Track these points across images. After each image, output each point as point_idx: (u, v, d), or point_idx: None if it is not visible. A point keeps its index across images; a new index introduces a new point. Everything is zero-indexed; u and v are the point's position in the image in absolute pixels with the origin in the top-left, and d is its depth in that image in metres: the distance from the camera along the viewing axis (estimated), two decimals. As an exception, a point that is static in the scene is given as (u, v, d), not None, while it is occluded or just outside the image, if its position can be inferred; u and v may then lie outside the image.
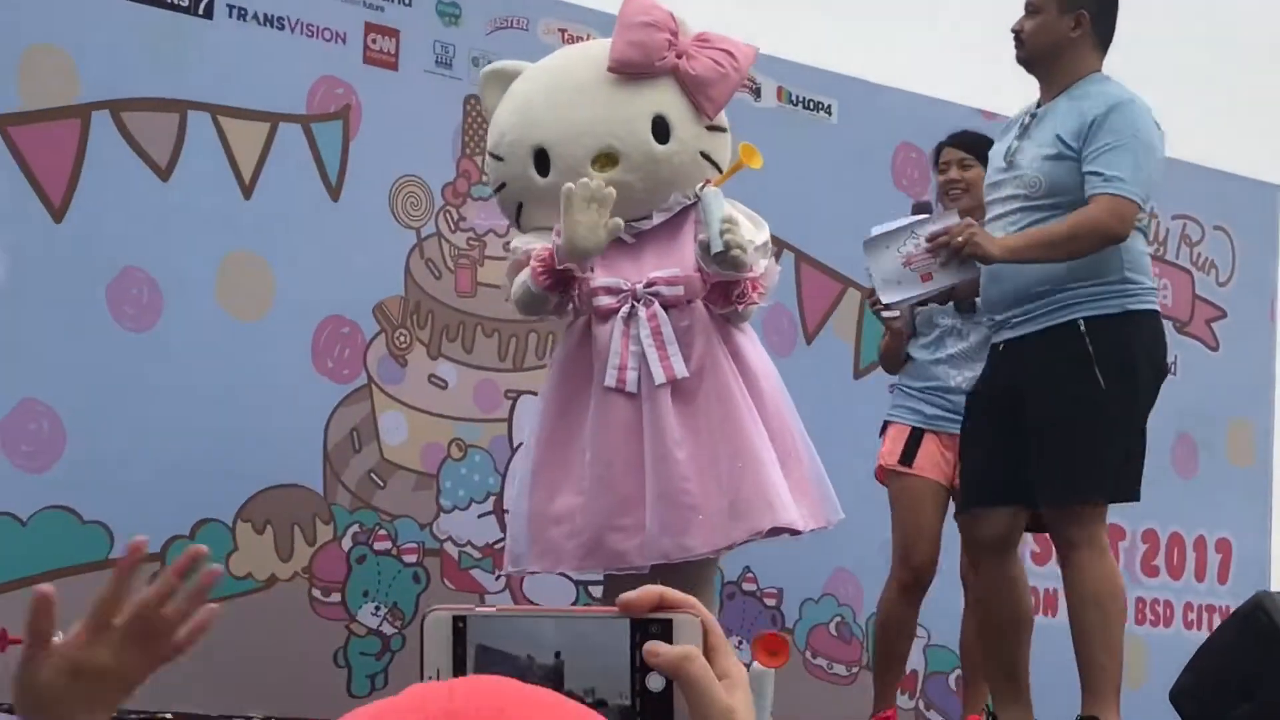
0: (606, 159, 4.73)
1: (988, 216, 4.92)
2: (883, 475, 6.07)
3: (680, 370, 4.62)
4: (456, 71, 6.60)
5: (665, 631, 1.26)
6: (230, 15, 6.16)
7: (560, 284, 4.73)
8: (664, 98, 4.73)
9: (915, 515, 5.70)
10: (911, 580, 5.84)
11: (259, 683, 6.03)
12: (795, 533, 4.82)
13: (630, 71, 4.74)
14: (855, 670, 7.37)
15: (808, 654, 7.27)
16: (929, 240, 4.63)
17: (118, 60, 5.97)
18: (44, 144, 5.84)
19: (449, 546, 6.53)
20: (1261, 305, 8.67)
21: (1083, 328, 4.59)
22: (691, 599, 1.27)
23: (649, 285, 4.68)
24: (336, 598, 6.28)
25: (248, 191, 6.19)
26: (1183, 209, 8.30)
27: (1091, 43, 4.82)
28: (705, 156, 4.76)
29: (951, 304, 5.50)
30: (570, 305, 4.85)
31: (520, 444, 6.67)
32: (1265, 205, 8.76)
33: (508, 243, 6.68)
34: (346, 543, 6.31)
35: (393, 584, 6.42)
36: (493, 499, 6.62)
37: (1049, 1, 4.78)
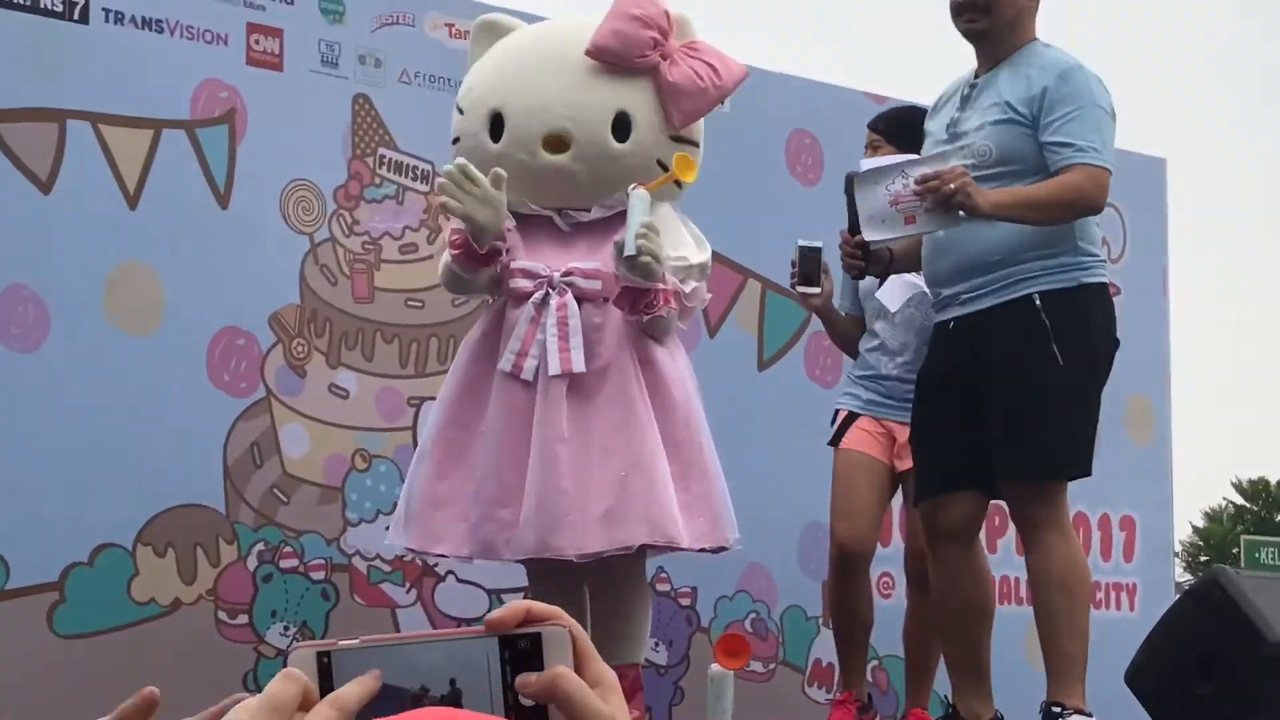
0: (558, 141, 4.64)
1: None
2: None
3: (578, 364, 4.55)
4: (343, 70, 6.47)
5: (534, 646, 1.27)
6: (107, 19, 5.99)
7: (480, 262, 4.62)
8: (634, 96, 4.64)
9: (842, 490, 5.65)
10: (839, 556, 5.78)
11: (166, 710, 5.84)
12: (682, 550, 4.73)
13: (608, 60, 4.64)
14: (772, 666, 7.30)
15: (724, 653, 7.18)
16: (919, 182, 4.50)
17: (-8, 69, 5.78)
18: (-83, 159, 5.64)
19: (357, 561, 6.39)
20: (1155, 281, 8.74)
21: (1038, 302, 4.53)
22: (557, 611, 1.26)
23: (566, 274, 4.60)
24: (243, 619, 6.13)
25: (133, 201, 6.02)
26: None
27: (1034, 11, 4.80)
28: (661, 165, 4.67)
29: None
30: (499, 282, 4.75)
31: (426, 452, 6.58)
32: (1154, 180, 8.82)
33: (408, 246, 6.60)
34: (251, 562, 6.16)
35: (301, 602, 6.28)
36: (400, 509, 6.48)
37: None
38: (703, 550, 4.73)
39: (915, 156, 4.69)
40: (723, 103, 5.05)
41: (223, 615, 6.08)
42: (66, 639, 5.77)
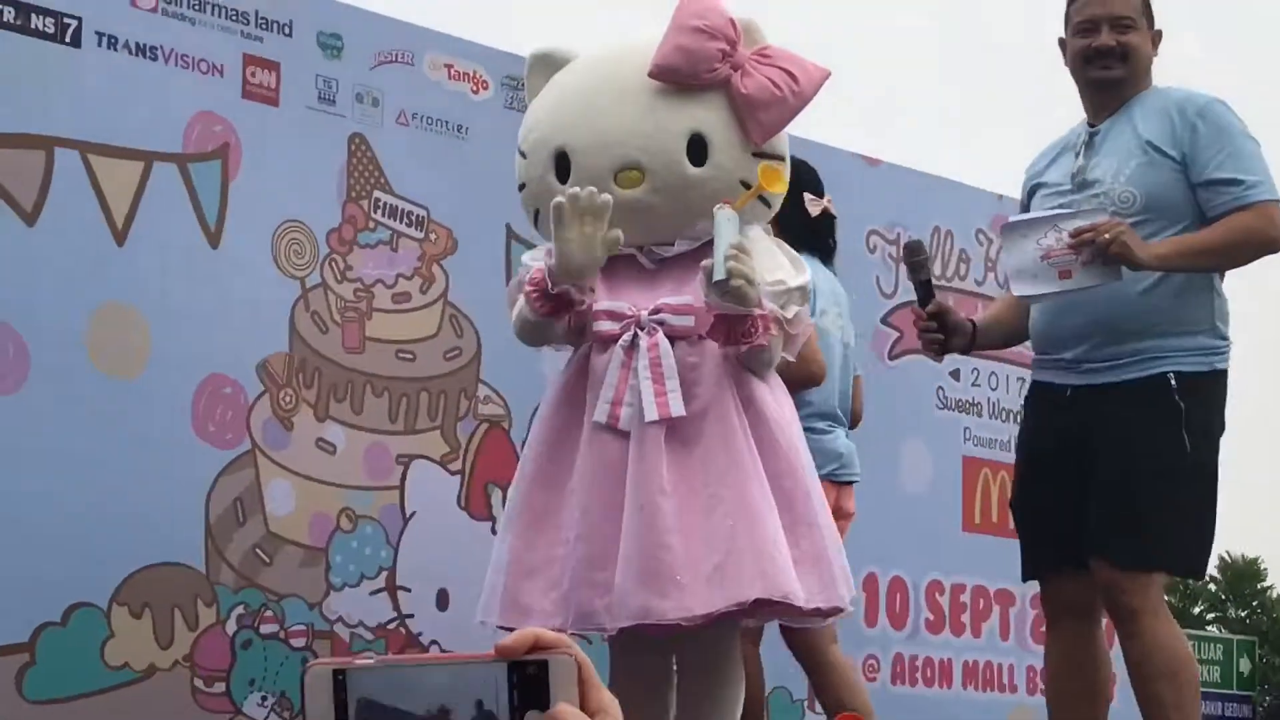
0: (632, 174, 4.42)
1: None
2: None
3: (677, 409, 4.27)
4: (340, 108, 6.31)
5: (541, 672, 1.34)
6: (100, 44, 5.80)
7: (559, 309, 4.38)
8: (708, 115, 4.40)
9: None
10: None
11: (136, 785, 5.62)
12: (797, 610, 4.44)
13: (674, 80, 4.39)
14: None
15: None
16: (1073, 235, 4.37)
17: (-22, 91, 5.57)
18: (-103, 184, 5.42)
19: (339, 628, 6.19)
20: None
21: (1174, 383, 4.42)
22: (565, 639, 1.32)
23: (654, 312, 4.36)
24: (220, 687, 5.91)
25: (120, 237, 5.82)
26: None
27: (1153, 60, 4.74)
28: (745, 185, 4.44)
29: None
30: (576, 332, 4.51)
31: (414, 512, 6.39)
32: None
33: (400, 295, 6.41)
34: (231, 626, 5.94)
35: (280, 670, 6.06)
36: (385, 574, 6.31)
37: (1140, 17, 4.66)
38: (815, 612, 4.46)
39: (1067, 210, 4.56)
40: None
41: (199, 683, 5.86)
42: (36, 704, 5.53)
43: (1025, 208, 4.90)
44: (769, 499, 4.33)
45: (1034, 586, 8.07)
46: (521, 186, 4.67)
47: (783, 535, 4.32)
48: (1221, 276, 4.61)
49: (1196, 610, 44.26)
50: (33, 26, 5.66)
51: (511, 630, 4.54)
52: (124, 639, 5.71)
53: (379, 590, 6.28)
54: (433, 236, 6.48)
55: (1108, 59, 4.58)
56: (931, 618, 7.72)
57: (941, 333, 4.79)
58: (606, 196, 4.28)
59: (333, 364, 6.23)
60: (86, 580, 5.65)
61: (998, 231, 8.52)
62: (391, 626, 6.29)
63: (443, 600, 6.42)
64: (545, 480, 4.48)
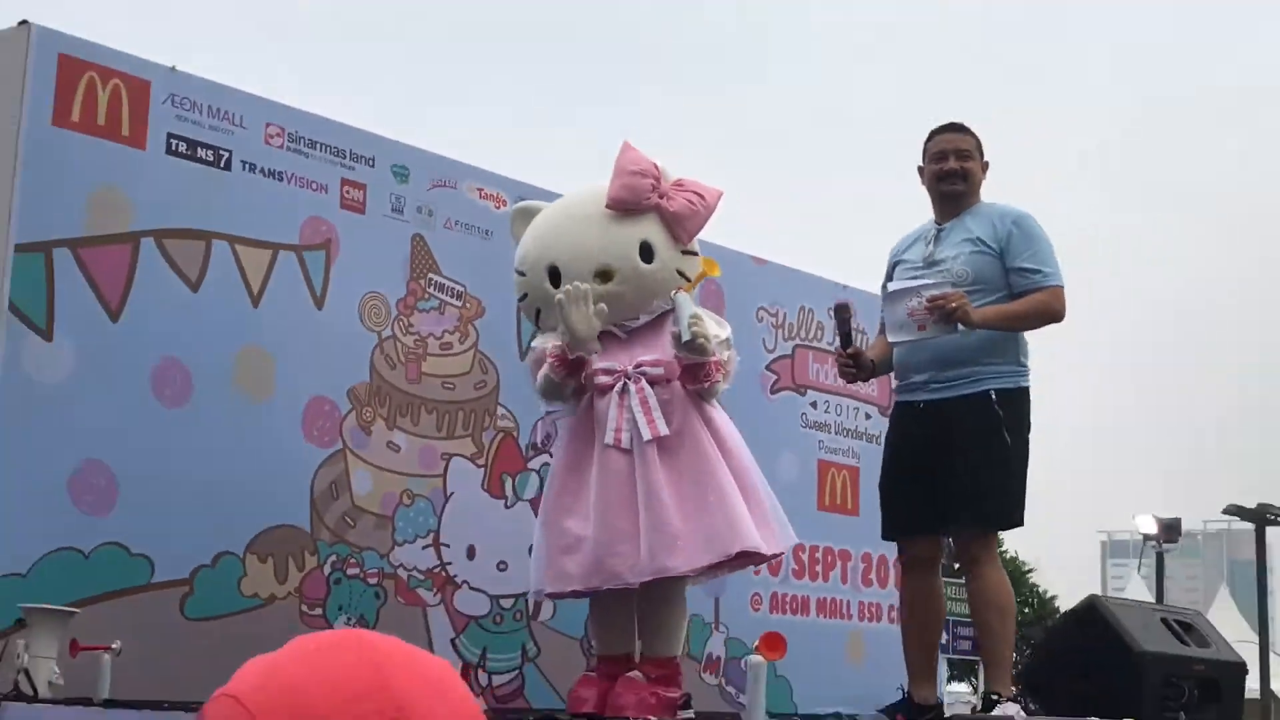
0: (605, 274, 4.40)
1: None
2: None
3: (663, 429, 4.28)
4: (406, 216, 6.24)
5: None
6: (243, 169, 5.72)
7: (573, 371, 4.36)
8: (649, 228, 4.41)
9: None
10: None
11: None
12: (761, 557, 4.44)
13: (623, 208, 4.41)
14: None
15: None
16: (929, 301, 4.36)
17: (161, 199, 5.48)
18: (104, 262, 5.32)
19: (400, 571, 6.09)
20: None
21: (994, 398, 4.40)
22: None
23: (637, 366, 4.34)
24: (319, 611, 5.80)
25: (256, 301, 5.73)
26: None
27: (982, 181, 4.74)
28: (680, 273, 4.45)
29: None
30: (580, 389, 4.46)
31: (452, 492, 6.30)
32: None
33: (445, 344, 6.33)
34: (327, 569, 5.84)
35: (360, 600, 5.97)
36: (431, 534, 6.21)
37: (975, 152, 4.66)
38: (773, 556, 4.44)
39: (930, 281, 4.54)
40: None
41: (304, 608, 5.76)
42: (194, 621, 5.41)
43: (889, 277, 4.87)
44: (733, 483, 4.32)
45: (867, 546, 8.13)
46: (523, 297, 4.62)
47: (745, 507, 4.30)
48: None
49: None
50: (199, 156, 5.58)
51: (557, 596, 4.47)
52: (254, 577, 5.61)
53: (428, 545, 6.18)
54: (468, 305, 6.42)
55: (953, 179, 4.58)
56: (796, 568, 7.68)
57: (855, 367, 4.77)
58: (588, 287, 4.28)
59: (399, 390, 6.15)
60: (229, 536, 5.55)
61: (834, 307, 8.62)
62: (435, 571, 6.19)
63: (470, 553, 6.33)
64: (568, 490, 4.45)
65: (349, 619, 5.88)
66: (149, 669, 5.02)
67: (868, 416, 8.31)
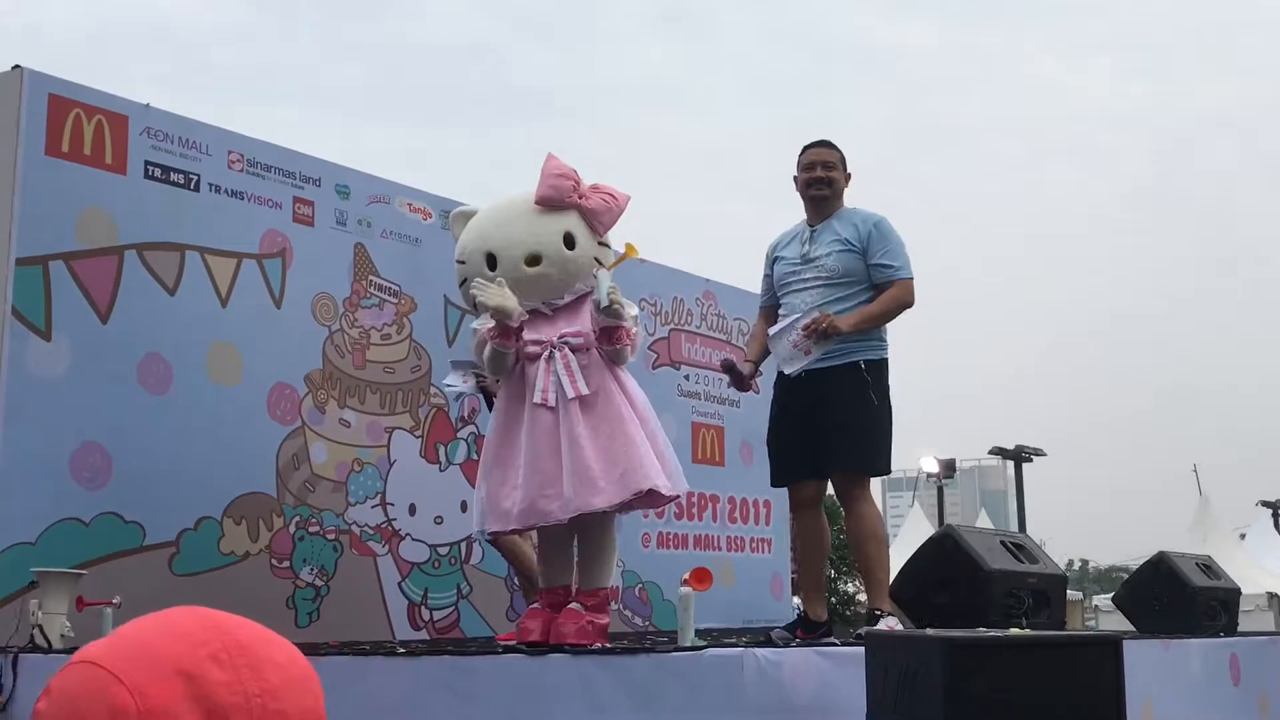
0: (534, 259, 4.37)
1: (793, 289, 4.65)
2: None
3: (583, 388, 4.26)
4: (349, 228, 6.20)
5: None
6: (210, 190, 5.63)
7: (509, 338, 4.35)
8: (571, 222, 4.39)
9: None
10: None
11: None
12: (664, 498, 4.43)
13: (549, 205, 4.39)
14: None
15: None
16: (804, 330, 4.35)
17: (140, 217, 5.37)
18: (94, 271, 5.20)
19: (354, 528, 6.07)
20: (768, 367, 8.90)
21: (863, 367, 4.45)
22: None
23: (561, 337, 4.35)
24: (286, 564, 5.76)
25: (224, 302, 5.65)
26: (740, 314, 8.45)
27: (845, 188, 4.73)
28: (597, 260, 4.45)
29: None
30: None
31: (395, 460, 6.28)
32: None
33: (385, 335, 6.30)
34: (292, 528, 5.80)
35: (320, 553, 5.93)
36: (379, 495, 6.19)
37: (839, 165, 4.66)
38: (672, 498, 4.44)
39: (797, 316, 4.49)
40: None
41: (274, 562, 5.70)
42: (181, 577, 5.33)
43: (770, 271, 4.79)
44: (642, 433, 4.32)
45: (733, 491, 8.31)
46: (463, 282, 4.57)
47: (652, 454, 4.31)
48: None
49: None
50: (171, 179, 5.48)
51: (497, 533, 4.42)
52: (230, 537, 5.55)
53: (376, 505, 6.17)
54: (403, 301, 6.40)
55: (821, 186, 4.60)
56: (677, 511, 7.79)
57: (746, 384, 4.74)
58: (500, 278, 4.28)
59: (347, 375, 6.12)
60: (208, 503, 5.48)
61: (703, 296, 8.76)
62: (383, 526, 6.18)
63: (412, 510, 6.33)
64: (504, 443, 4.42)
65: (312, 570, 5.85)
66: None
67: (728, 385, 8.47)
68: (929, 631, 2.99)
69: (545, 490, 4.24)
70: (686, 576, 3.98)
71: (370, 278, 6.26)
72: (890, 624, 4.08)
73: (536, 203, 4.40)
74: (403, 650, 4.28)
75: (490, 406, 5.14)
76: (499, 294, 4.27)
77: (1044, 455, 20.70)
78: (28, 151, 4.99)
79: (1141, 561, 5.69)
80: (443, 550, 6.41)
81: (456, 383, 5.28)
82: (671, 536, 7.83)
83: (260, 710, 0.91)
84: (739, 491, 8.40)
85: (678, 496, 4.44)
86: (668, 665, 3.50)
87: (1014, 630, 3.27)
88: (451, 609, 6.40)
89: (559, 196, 4.37)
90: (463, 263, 4.57)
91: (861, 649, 3.26)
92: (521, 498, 4.29)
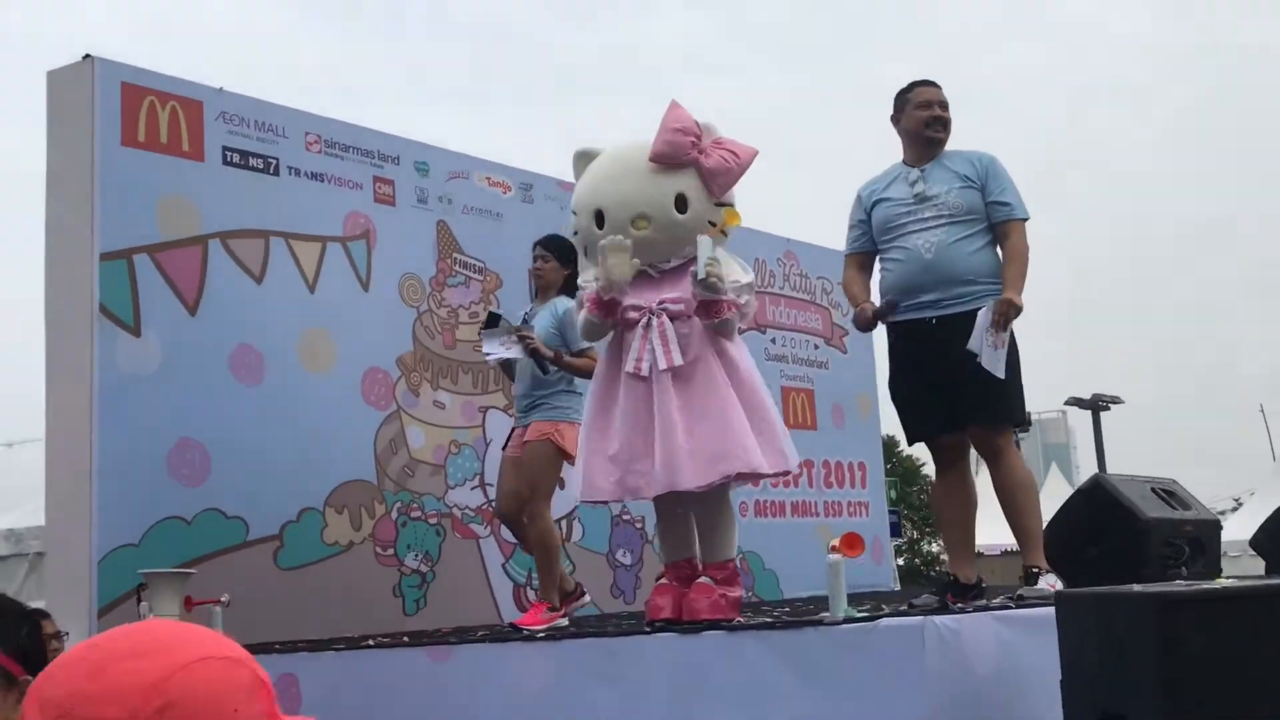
0: (643, 220, 4.06)
1: (910, 230, 4.23)
2: None
3: (677, 360, 3.95)
4: (430, 205, 5.90)
5: None
6: (289, 174, 5.35)
7: (609, 312, 4.05)
8: (686, 181, 4.05)
9: None
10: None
11: (346, 613, 5.19)
12: (760, 476, 4.13)
13: (664, 161, 4.06)
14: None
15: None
16: (994, 324, 3.87)
17: (222, 204, 5.10)
18: (180, 263, 4.93)
19: (455, 511, 5.78)
20: (865, 326, 8.54)
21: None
22: None
23: (661, 304, 4.03)
24: (391, 552, 5.50)
25: (312, 287, 5.38)
26: (823, 273, 8.08)
27: None
28: (710, 223, 4.11)
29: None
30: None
31: (491, 439, 5.99)
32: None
33: (473, 313, 6.00)
34: (394, 514, 5.52)
35: (424, 539, 5.65)
36: (477, 476, 5.90)
37: (947, 105, 4.28)
38: (777, 474, 4.12)
39: (980, 322, 4.05)
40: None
41: (378, 550, 5.44)
42: (286, 571, 5.08)
43: (867, 215, 4.35)
44: (739, 410, 4.01)
45: (826, 455, 7.95)
46: (574, 233, 4.29)
47: (750, 431, 4.00)
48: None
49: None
50: (250, 164, 5.20)
51: (594, 503, 4.13)
52: (333, 527, 5.29)
53: (475, 486, 5.89)
54: (488, 278, 6.10)
55: (938, 126, 4.24)
56: (773, 479, 7.44)
57: (881, 315, 4.31)
58: (626, 240, 3.98)
59: (439, 356, 5.83)
60: (309, 493, 5.23)
61: (784, 256, 8.38)
62: (483, 508, 5.90)
63: (511, 490, 6.05)
64: (601, 411, 4.12)
65: (417, 556, 5.58)
66: (252, 616, 4.69)
67: (816, 346, 8.13)
68: (1135, 588, 2.63)
69: (634, 466, 3.97)
70: (835, 543, 3.66)
71: (454, 255, 5.96)
72: (1050, 582, 3.74)
73: (651, 159, 4.07)
74: (541, 636, 4.02)
75: (512, 377, 4.85)
76: (621, 265, 3.95)
77: (1121, 403, 20.03)
78: (104, 143, 4.73)
79: (1225, 508, 5.27)
80: (545, 530, 6.12)
81: (497, 349, 4.87)
82: (769, 505, 7.50)
83: None
84: (833, 455, 8.04)
85: (785, 474, 4.11)
86: (837, 638, 3.19)
87: (1221, 582, 2.90)
88: (559, 588, 6.10)
89: (675, 153, 4.04)
90: (575, 214, 4.27)
91: (1038, 611, 2.93)
92: (613, 471, 4.01)
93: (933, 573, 16.49)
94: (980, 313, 3.96)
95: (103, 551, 4.56)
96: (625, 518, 6.55)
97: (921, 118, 4.27)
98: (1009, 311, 3.98)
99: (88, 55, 4.80)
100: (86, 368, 4.62)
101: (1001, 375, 3.95)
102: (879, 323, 4.29)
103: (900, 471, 19.90)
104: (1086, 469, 20.82)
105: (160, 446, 4.76)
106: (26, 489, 7.65)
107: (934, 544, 18.57)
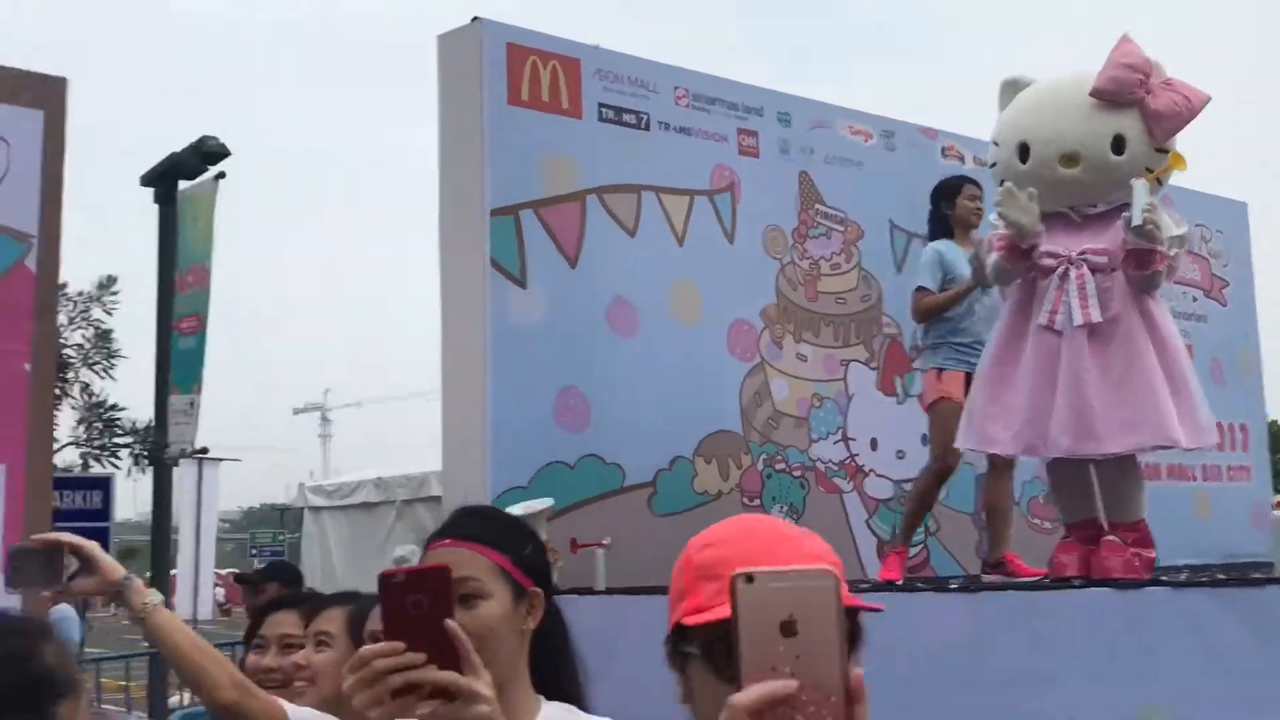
0: (1071, 159, 3.74)
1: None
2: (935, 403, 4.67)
3: (1095, 315, 3.60)
4: (792, 156, 5.73)
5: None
6: (659, 128, 5.31)
7: (1019, 257, 3.75)
8: (1127, 122, 3.70)
9: (951, 427, 4.24)
10: (943, 469, 4.67)
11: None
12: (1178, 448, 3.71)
13: (1106, 99, 3.71)
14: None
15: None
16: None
17: (598, 161, 5.12)
18: (561, 218, 4.99)
19: (819, 464, 5.63)
20: (1245, 278, 7.71)
21: None
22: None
23: (1081, 253, 3.69)
24: (757, 502, 5.40)
25: (680, 240, 5.33)
26: (1201, 220, 7.35)
27: None
28: (1148, 170, 3.74)
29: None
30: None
31: (853, 393, 5.80)
32: (1240, 216, 7.81)
33: (834, 265, 5.80)
34: (760, 466, 5.43)
35: (789, 491, 5.54)
36: (840, 430, 5.73)
37: None
38: (1194, 449, 3.72)
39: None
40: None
41: (745, 500, 5.35)
42: (660, 517, 5.08)
43: None
44: (1159, 376, 3.61)
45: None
46: (992, 165, 3.99)
47: (1170, 401, 3.60)
48: None
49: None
50: (623, 120, 5.21)
51: (974, 450, 3.84)
52: (703, 476, 5.26)
53: (838, 440, 5.72)
54: (849, 229, 5.88)
55: None
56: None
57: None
58: (1033, 191, 3.66)
59: (801, 309, 5.68)
60: (680, 442, 5.20)
61: (1159, 201, 7.68)
62: (846, 462, 5.72)
63: (874, 444, 5.83)
64: (1003, 360, 3.82)
65: (782, 508, 5.47)
66: (630, 559, 4.73)
67: (1194, 299, 7.41)
68: None
69: (1034, 424, 3.63)
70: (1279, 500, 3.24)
71: (816, 206, 5.78)
72: None
73: (1092, 93, 3.72)
74: (954, 586, 3.82)
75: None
76: (1020, 209, 3.65)
77: None
78: (491, 103, 4.84)
79: None
80: (907, 486, 5.87)
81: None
82: (1143, 467, 6.91)
83: None
84: (1215, 415, 7.32)
85: (1200, 449, 3.67)
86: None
87: None
88: (921, 546, 5.85)
89: (1120, 91, 3.67)
90: (996, 144, 3.99)
91: None
92: (1010, 423, 3.70)
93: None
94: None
95: (495, 492, 4.71)
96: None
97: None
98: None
99: (476, 18, 4.93)
100: (480, 319, 4.76)
101: None
102: None
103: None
104: None
105: (546, 394, 4.86)
106: (398, 444, 8.13)
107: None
